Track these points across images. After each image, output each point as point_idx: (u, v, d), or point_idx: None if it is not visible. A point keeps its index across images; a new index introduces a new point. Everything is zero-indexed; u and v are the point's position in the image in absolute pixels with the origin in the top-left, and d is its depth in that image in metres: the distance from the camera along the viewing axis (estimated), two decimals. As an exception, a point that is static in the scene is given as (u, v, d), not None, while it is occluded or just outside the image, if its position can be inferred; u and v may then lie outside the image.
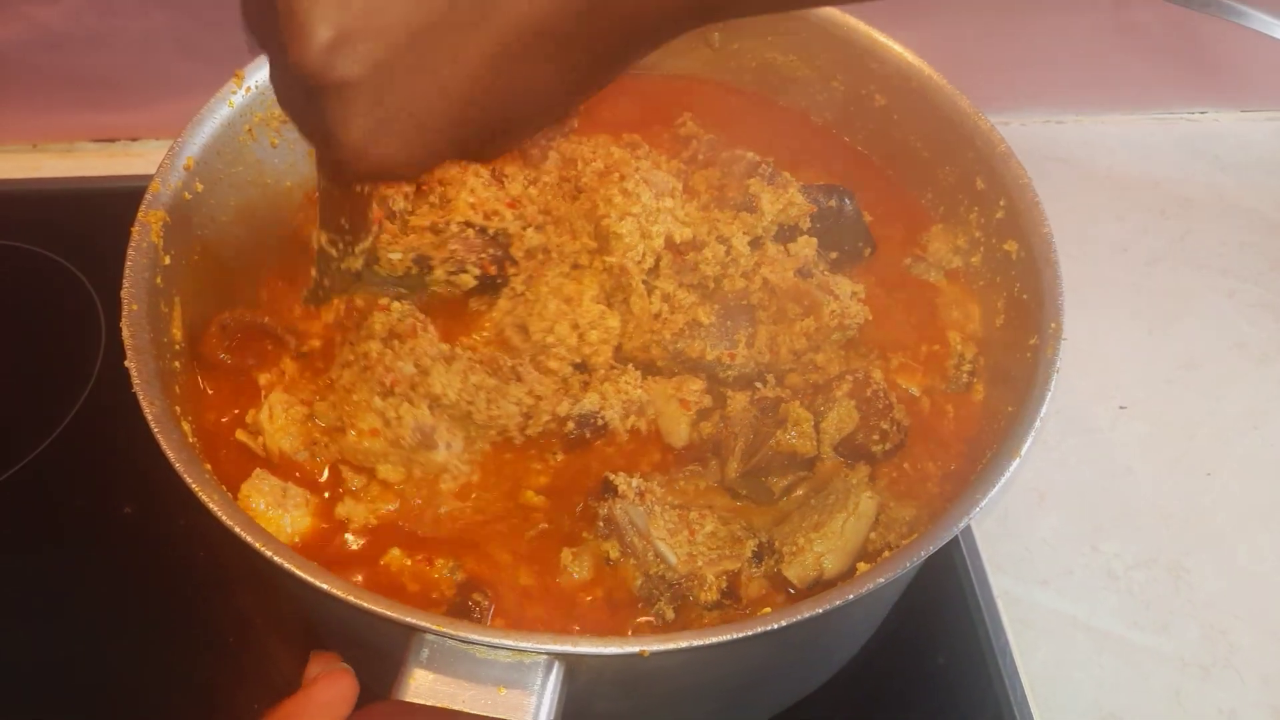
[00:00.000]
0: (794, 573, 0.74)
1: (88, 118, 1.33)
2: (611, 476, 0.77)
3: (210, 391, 0.84)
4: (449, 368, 0.78)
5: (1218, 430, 1.13)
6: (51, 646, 0.91)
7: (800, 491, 0.80)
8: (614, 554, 0.75)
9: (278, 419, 0.80)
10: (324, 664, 0.60)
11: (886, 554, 0.74)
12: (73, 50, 1.25)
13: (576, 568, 0.75)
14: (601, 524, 0.76)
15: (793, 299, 0.84)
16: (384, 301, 0.82)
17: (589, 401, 0.80)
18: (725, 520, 0.78)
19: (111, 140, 1.36)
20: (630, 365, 0.83)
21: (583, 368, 0.83)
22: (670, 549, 0.74)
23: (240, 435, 0.81)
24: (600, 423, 0.80)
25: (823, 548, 0.75)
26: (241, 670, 0.91)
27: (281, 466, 0.79)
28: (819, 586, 0.75)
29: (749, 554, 0.76)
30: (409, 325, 0.80)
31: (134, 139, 1.36)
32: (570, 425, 0.80)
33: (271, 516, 0.76)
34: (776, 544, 0.76)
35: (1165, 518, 1.07)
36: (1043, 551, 1.03)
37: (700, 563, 0.74)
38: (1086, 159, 1.41)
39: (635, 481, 0.77)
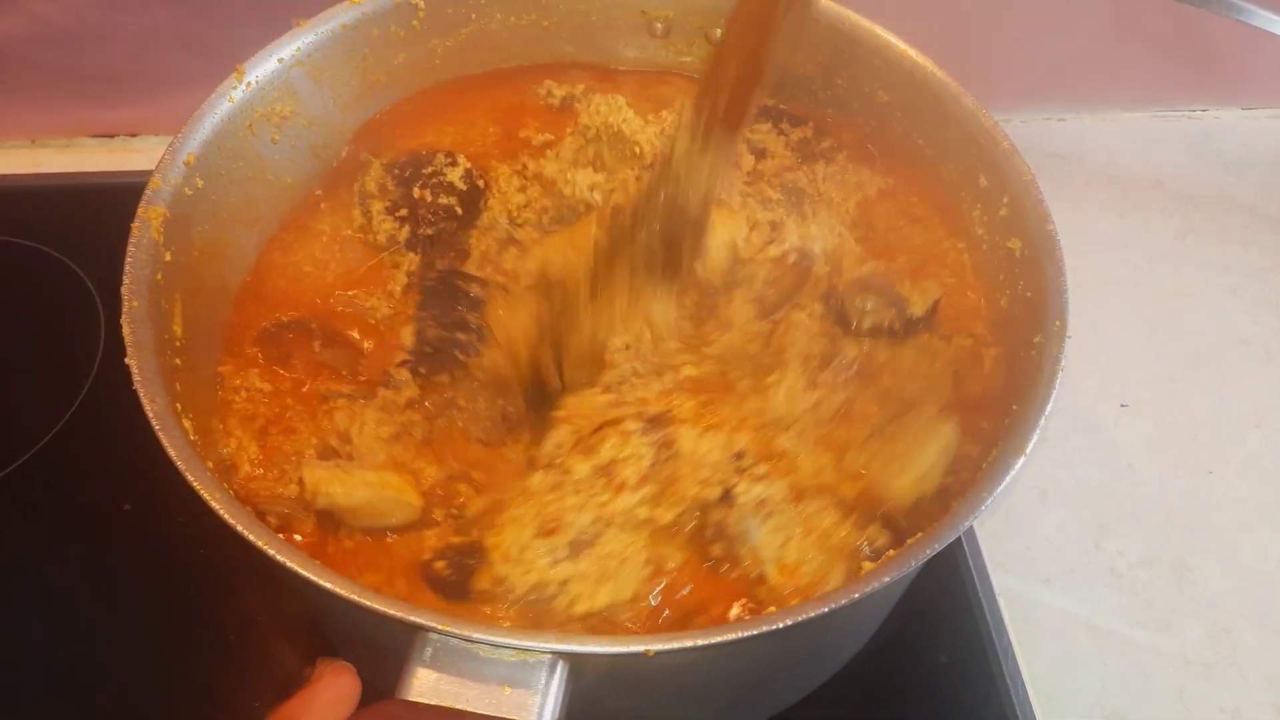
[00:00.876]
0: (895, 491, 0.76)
1: (88, 113, 1.33)
2: (732, 483, 0.75)
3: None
4: (620, 535, 0.73)
5: (1221, 428, 1.13)
6: (51, 645, 0.90)
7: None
8: (716, 552, 0.74)
9: (367, 435, 0.78)
10: (328, 664, 0.59)
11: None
12: (73, 45, 1.24)
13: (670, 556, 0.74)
14: (710, 530, 0.74)
15: None
16: (632, 428, 0.76)
17: None
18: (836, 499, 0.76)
19: (111, 136, 1.35)
20: None
21: None
22: (775, 570, 0.73)
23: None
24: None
25: (922, 467, 0.77)
26: (243, 669, 0.90)
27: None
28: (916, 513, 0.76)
29: (859, 545, 0.74)
30: (623, 478, 0.73)
31: (134, 134, 1.35)
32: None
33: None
34: (879, 490, 0.76)
35: (1168, 516, 1.06)
36: (1045, 550, 1.03)
37: (803, 579, 0.73)
38: (1088, 156, 1.40)
39: (758, 490, 0.75)
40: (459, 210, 0.94)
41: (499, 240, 0.92)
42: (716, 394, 0.81)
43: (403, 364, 0.84)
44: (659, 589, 0.73)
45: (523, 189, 0.96)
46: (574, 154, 0.98)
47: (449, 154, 0.97)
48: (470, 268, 0.91)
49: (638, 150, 0.97)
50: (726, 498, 0.75)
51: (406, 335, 0.86)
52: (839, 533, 0.75)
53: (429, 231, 0.93)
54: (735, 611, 0.73)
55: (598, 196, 0.93)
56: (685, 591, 0.74)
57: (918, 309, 0.87)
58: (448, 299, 0.87)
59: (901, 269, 0.92)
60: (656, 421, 0.77)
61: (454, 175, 0.95)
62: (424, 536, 0.76)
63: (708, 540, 0.75)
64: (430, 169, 0.95)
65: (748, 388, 0.82)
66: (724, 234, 0.87)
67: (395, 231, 0.93)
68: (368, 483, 0.75)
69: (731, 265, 0.88)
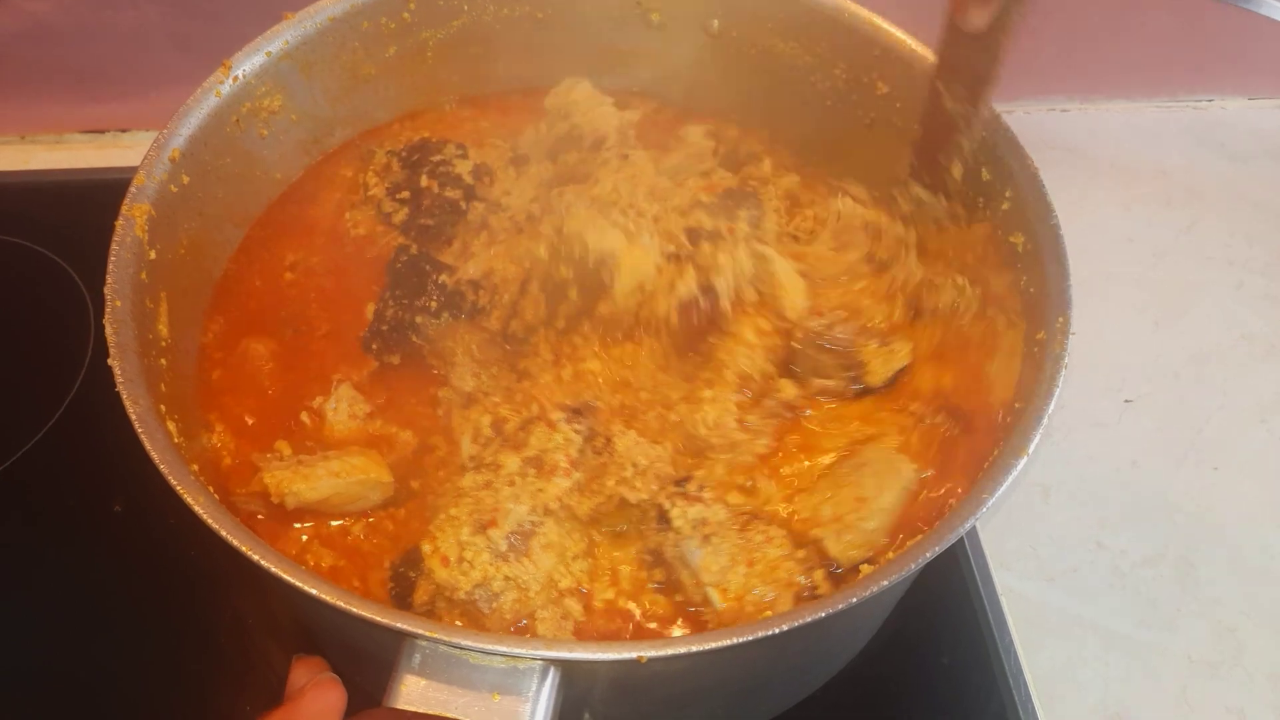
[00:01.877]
0: (839, 551, 0.74)
1: (78, 109, 1.32)
2: (666, 505, 0.73)
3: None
4: (559, 528, 0.72)
5: (1225, 424, 1.12)
6: (40, 646, 0.90)
7: None
8: (659, 577, 0.73)
9: (341, 412, 0.80)
10: (309, 671, 0.58)
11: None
12: (64, 41, 1.23)
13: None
14: (649, 556, 0.73)
15: None
16: (557, 418, 0.76)
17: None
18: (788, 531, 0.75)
19: (102, 132, 1.34)
20: None
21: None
22: (719, 594, 0.71)
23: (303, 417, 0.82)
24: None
25: (872, 523, 0.74)
26: (233, 670, 0.89)
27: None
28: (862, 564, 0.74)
29: (801, 580, 0.72)
30: (554, 462, 0.73)
31: (124, 130, 1.34)
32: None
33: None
34: (826, 546, 0.74)
35: (1172, 513, 1.05)
36: (1048, 548, 1.02)
37: (748, 606, 0.71)
38: (1091, 148, 1.39)
39: (694, 511, 0.73)
40: (463, 206, 0.93)
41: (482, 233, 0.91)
42: (646, 395, 0.81)
43: (359, 340, 0.85)
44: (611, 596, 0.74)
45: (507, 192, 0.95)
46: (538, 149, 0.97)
47: (460, 146, 0.96)
48: (448, 258, 0.90)
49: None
50: (663, 519, 0.73)
51: (368, 311, 0.87)
52: (786, 565, 0.73)
53: (428, 222, 0.92)
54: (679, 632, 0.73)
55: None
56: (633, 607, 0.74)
57: (875, 378, 0.83)
58: (415, 282, 0.87)
59: (875, 326, 0.86)
60: (580, 413, 0.77)
61: (463, 168, 0.94)
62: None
63: (649, 565, 0.74)
64: (439, 157, 0.94)
65: (679, 396, 0.81)
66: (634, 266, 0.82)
67: (393, 213, 0.91)
68: (332, 472, 0.75)
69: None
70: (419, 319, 0.85)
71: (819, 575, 0.73)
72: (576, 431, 0.75)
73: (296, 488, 0.74)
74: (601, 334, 0.82)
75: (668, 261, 0.82)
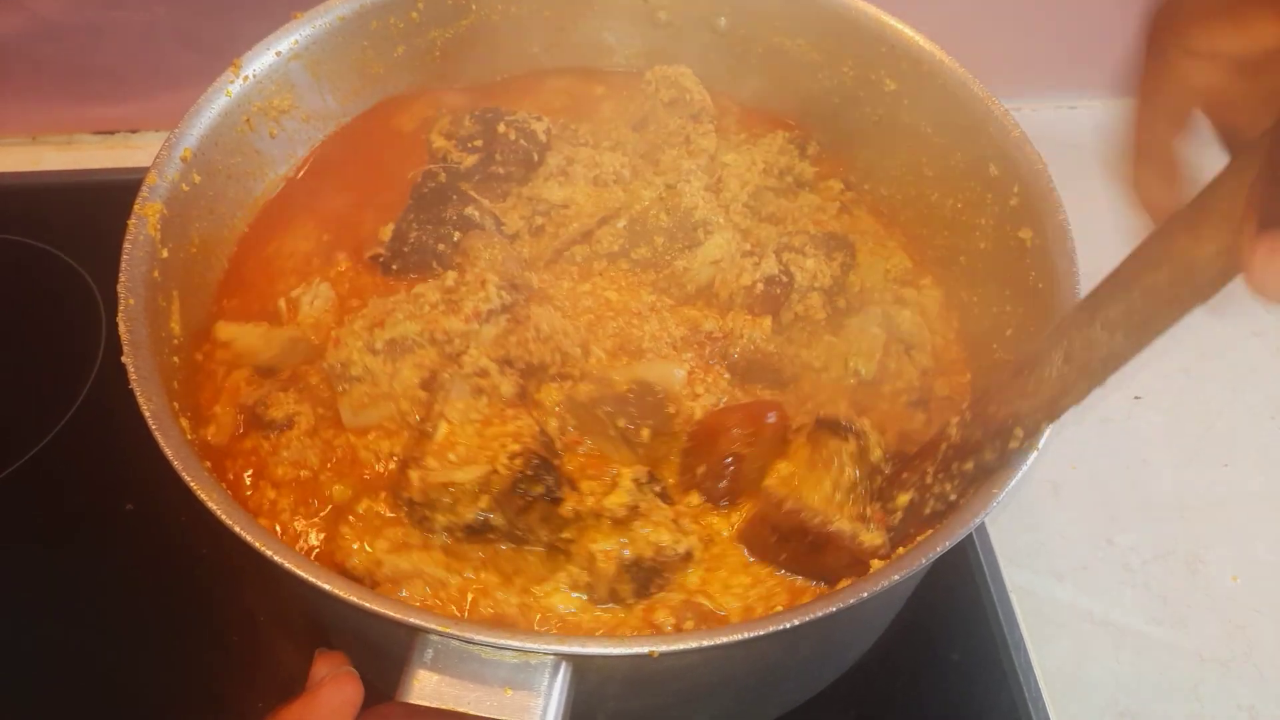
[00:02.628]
0: None
1: (87, 110, 1.32)
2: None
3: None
4: (430, 355, 0.78)
5: (1235, 420, 1.12)
6: (53, 645, 0.90)
7: None
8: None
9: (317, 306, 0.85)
10: (330, 665, 0.58)
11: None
12: (73, 42, 1.24)
13: None
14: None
15: None
16: (492, 281, 0.80)
17: None
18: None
19: (111, 132, 1.34)
20: None
21: None
22: (445, 426, 0.74)
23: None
24: None
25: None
26: (245, 668, 0.90)
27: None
28: None
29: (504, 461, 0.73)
30: (464, 307, 0.78)
31: (134, 131, 1.34)
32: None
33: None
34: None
35: (1182, 510, 1.05)
36: (1057, 545, 1.02)
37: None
38: (1099, 145, 1.38)
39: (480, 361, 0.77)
40: (535, 158, 0.95)
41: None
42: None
43: (374, 257, 0.89)
44: None
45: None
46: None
47: (535, 115, 0.98)
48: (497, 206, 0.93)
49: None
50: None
51: (385, 232, 0.89)
52: (502, 441, 0.74)
53: (500, 170, 0.94)
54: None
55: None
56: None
57: None
58: (438, 209, 0.89)
59: None
60: (517, 288, 0.81)
61: (538, 127, 0.96)
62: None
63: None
64: (514, 117, 0.96)
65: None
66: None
67: (461, 161, 0.93)
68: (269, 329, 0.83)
69: None
70: (440, 246, 0.87)
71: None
72: (502, 296, 0.80)
73: (249, 340, 0.83)
74: (653, 277, 0.88)
75: (745, 255, 0.89)
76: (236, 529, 0.62)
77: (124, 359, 0.69)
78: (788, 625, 0.59)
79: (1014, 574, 0.98)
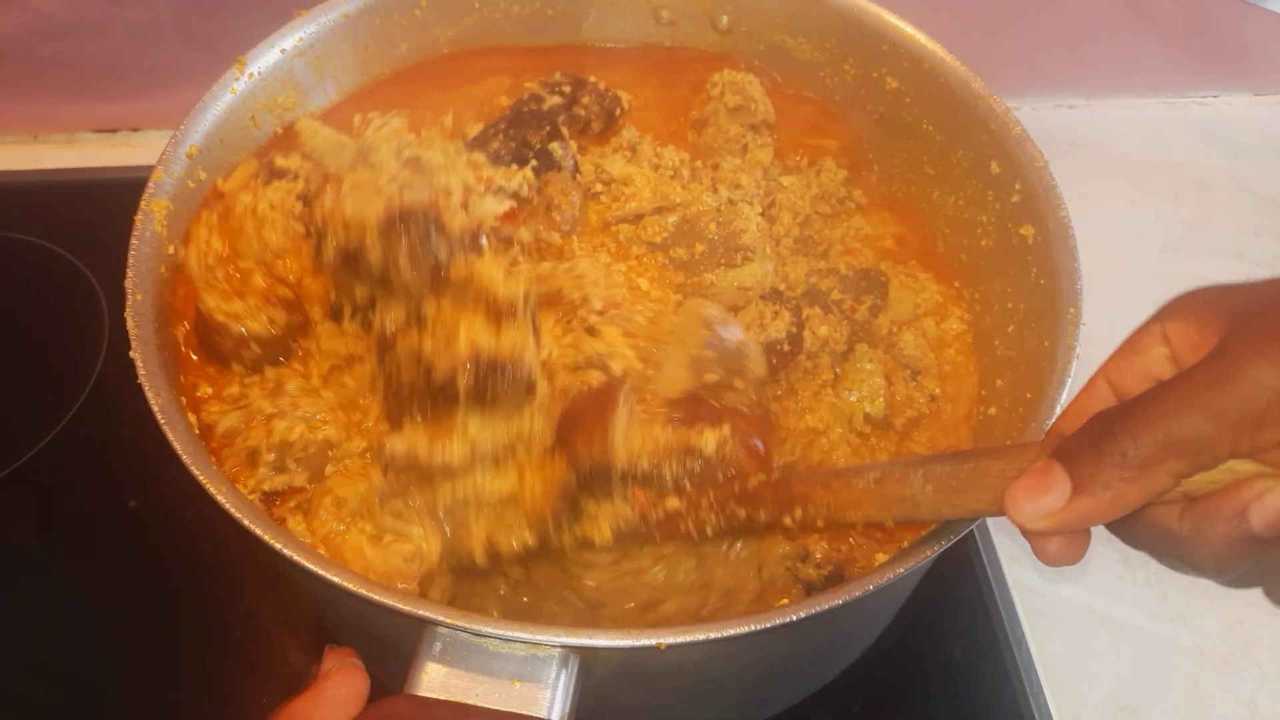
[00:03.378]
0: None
1: (89, 108, 1.32)
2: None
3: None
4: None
5: (1234, 417, 1.12)
6: (57, 643, 0.90)
7: None
8: None
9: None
10: (339, 659, 0.59)
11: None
12: (74, 39, 1.24)
13: None
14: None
15: None
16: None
17: None
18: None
19: (113, 131, 1.34)
20: None
21: None
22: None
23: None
24: None
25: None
26: (249, 665, 0.90)
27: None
28: None
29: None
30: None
31: (136, 129, 1.34)
32: None
33: None
34: None
35: (1182, 506, 1.05)
36: (1058, 541, 1.02)
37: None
38: (1099, 144, 1.39)
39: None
40: (617, 113, 0.97)
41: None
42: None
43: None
44: None
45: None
46: None
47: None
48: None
49: None
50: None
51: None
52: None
53: (582, 112, 0.96)
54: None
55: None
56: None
57: None
58: (528, 132, 0.91)
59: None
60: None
61: (621, 94, 0.99)
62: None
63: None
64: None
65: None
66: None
67: (545, 101, 0.94)
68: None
69: None
70: (514, 165, 0.83)
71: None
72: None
73: None
74: (680, 280, 0.87)
75: (769, 300, 0.85)
76: (246, 522, 0.62)
77: (132, 353, 0.69)
78: (794, 618, 0.60)
79: (1015, 570, 0.99)
